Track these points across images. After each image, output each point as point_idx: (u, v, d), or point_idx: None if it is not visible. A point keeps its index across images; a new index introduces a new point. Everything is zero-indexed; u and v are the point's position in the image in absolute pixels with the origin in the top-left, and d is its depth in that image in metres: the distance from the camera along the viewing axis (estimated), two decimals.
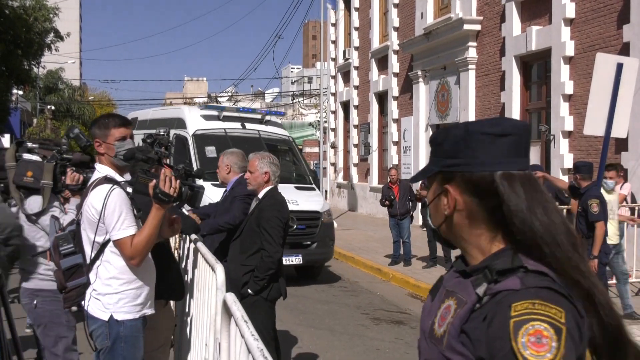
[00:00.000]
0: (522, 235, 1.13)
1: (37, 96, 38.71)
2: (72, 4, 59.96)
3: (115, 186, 2.67)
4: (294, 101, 43.70)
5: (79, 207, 2.82)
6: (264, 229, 3.73)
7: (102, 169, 2.79)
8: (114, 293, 2.67)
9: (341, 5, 20.52)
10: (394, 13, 16.22)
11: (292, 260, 7.78)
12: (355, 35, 19.09)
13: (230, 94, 43.97)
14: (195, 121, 9.10)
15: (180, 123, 9.22)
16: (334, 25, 21.23)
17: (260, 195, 3.89)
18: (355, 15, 19.09)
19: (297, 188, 8.70)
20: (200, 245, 3.36)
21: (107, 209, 2.59)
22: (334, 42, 21.29)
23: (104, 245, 2.67)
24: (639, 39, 8.38)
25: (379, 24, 17.55)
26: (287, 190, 7.03)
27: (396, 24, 16.11)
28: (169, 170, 2.76)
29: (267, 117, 9.76)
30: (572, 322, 1.03)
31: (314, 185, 9.41)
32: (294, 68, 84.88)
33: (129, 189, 2.77)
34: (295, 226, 7.44)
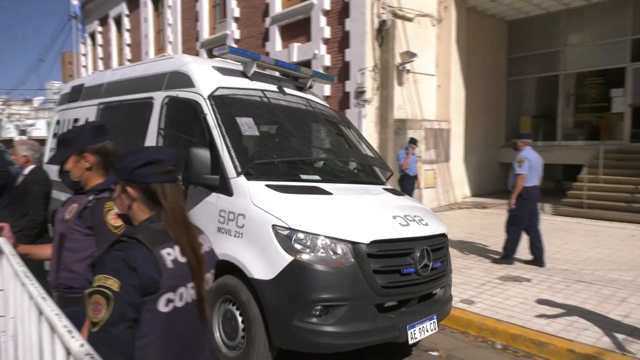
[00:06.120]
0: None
1: None
2: None
3: None
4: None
5: None
6: (30, 199, 3.86)
7: None
8: None
9: (89, 41, 24.74)
10: (127, 50, 20.97)
11: (426, 328, 3.57)
12: (100, 63, 23.36)
13: (3, 100, 49.55)
14: (210, 76, 4.41)
15: (178, 80, 4.49)
16: (85, 55, 25.14)
17: (25, 172, 4.04)
18: (99, 49, 23.44)
19: (390, 192, 4.47)
20: None
21: None
22: (85, 67, 25.14)
23: None
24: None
25: (117, 57, 22.12)
26: (375, 197, 4.07)
27: (129, 57, 20.89)
28: None
29: (310, 82, 5.31)
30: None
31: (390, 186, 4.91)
32: (55, 83, 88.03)
33: None
34: (430, 265, 3.62)
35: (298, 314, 3.14)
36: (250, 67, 4.64)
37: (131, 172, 1.60)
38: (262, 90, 4.45)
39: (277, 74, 5.24)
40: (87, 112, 5.69)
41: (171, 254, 1.53)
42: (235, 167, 3.61)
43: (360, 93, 10.87)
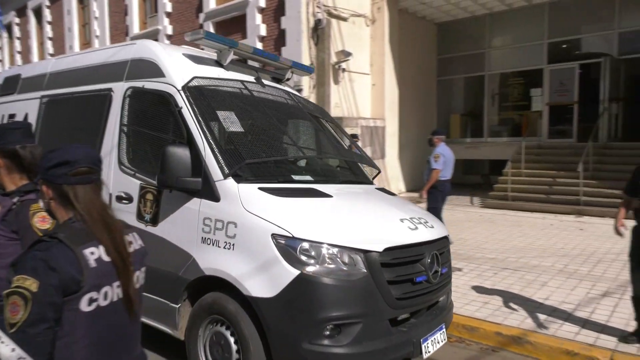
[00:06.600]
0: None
1: None
2: None
3: None
4: None
5: None
6: None
7: None
8: None
9: (5, 34, 23.02)
10: (49, 44, 19.75)
11: (437, 340, 3.24)
12: (18, 57, 21.77)
13: None
14: (183, 64, 3.81)
15: (144, 69, 3.86)
16: (0, 48, 23.21)
17: None
18: (17, 42, 21.79)
19: (384, 192, 4.13)
20: None
21: None
22: (1, 60, 23.28)
23: None
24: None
25: (37, 51, 20.77)
26: (375, 199, 3.72)
27: (51, 51, 19.69)
28: None
29: (288, 75, 4.87)
30: None
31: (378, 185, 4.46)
32: None
33: None
34: (439, 271, 3.32)
35: (307, 335, 2.73)
36: (227, 56, 4.07)
37: (45, 171, 1.60)
38: (242, 82, 3.95)
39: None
40: (25, 106, 5.09)
41: (95, 253, 1.51)
42: (221, 168, 3.14)
43: (297, 91, 10.90)
